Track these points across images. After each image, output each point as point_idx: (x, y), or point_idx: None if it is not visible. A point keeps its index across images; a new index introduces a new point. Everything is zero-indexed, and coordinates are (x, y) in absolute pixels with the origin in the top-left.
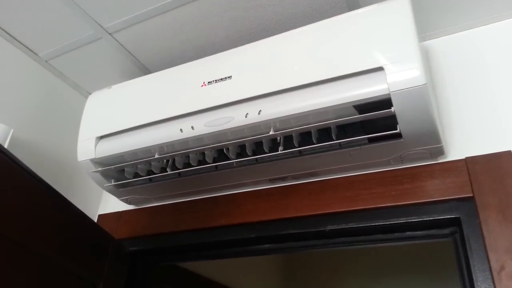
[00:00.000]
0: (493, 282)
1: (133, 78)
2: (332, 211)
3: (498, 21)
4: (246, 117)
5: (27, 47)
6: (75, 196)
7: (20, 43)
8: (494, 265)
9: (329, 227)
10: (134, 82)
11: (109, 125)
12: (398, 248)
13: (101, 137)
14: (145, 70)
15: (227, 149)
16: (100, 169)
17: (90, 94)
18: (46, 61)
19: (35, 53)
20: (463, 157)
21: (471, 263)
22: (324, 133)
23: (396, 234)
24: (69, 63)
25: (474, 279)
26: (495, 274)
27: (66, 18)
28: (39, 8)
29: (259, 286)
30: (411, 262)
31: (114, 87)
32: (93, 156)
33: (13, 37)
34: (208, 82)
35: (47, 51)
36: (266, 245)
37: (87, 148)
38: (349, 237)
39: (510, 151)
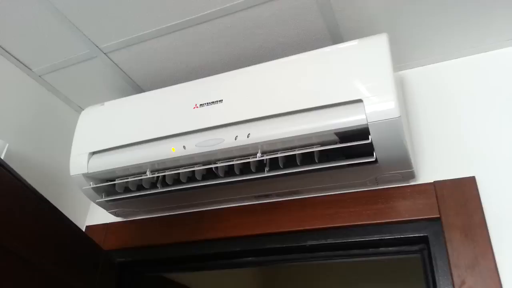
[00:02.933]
0: None
1: (125, 96)
2: (312, 227)
3: (464, 56)
4: (235, 139)
5: (21, 62)
6: (64, 207)
7: (15, 57)
8: (456, 280)
9: (309, 242)
10: (128, 100)
11: (102, 142)
12: (371, 261)
13: (94, 153)
14: (137, 88)
15: (216, 168)
16: (93, 185)
17: (82, 109)
18: (40, 76)
19: (29, 68)
20: (432, 181)
21: (436, 277)
22: (308, 155)
23: (370, 249)
24: (62, 79)
25: None
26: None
27: (62, 36)
28: (35, 25)
29: None
30: (385, 273)
31: (107, 104)
32: (85, 171)
33: (7, 51)
34: (200, 105)
35: (41, 66)
36: (250, 258)
37: (80, 163)
38: (327, 252)
39: (474, 177)
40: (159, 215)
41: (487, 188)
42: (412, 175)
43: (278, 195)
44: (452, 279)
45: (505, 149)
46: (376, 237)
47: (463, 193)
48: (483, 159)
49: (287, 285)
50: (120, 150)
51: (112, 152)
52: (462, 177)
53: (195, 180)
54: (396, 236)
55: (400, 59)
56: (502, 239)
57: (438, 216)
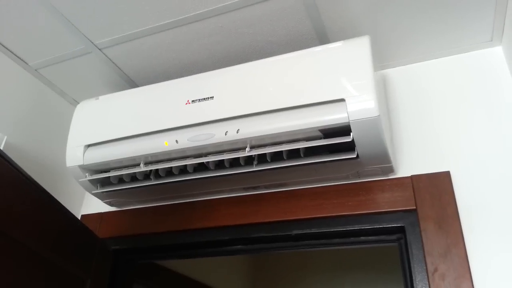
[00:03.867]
0: (428, 281)
1: (119, 90)
2: (297, 217)
3: (442, 57)
4: (225, 134)
5: (18, 57)
6: (60, 197)
7: (11, 52)
8: (430, 267)
9: (295, 232)
10: (122, 94)
11: (97, 134)
12: (354, 249)
13: (89, 145)
14: (131, 83)
15: (207, 161)
16: (88, 177)
17: (77, 102)
18: (36, 70)
19: (25, 62)
20: (409, 175)
21: (411, 265)
22: (294, 150)
23: (351, 238)
24: (58, 73)
25: (414, 278)
26: (430, 274)
27: (57, 32)
28: (32, 21)
29: (231, 281)
30: (365, 261)
31: (102, 98)
32: (81, 163)
33: (4, 46)
34: (192, 101)
35: (37, 61)
36: (238, 246)
37: (76, 155)
38: (311, 240)
39: (448, 172)
40: (152, 205)
41: (460, 182)
42: (391, 170)
43: (266, 187)
44: (426, 266)
45: (477, 146)
46: (356, 227)
47: (438, 187)
48: (457, 155)
49: (276, 272)
50: (114, 143)
51: (107, 144)
52: (437, 171)
53: (187, 173)
54: (375, 226)
55: (383, 58)
56: (472, 230)
57: (414, 208)
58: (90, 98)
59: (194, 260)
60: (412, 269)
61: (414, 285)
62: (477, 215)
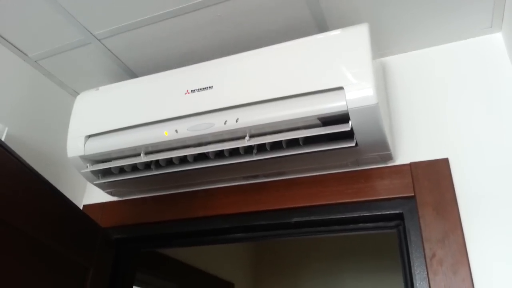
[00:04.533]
0: (426, 266)
1: (118, 80)
2: (297, 205)
3: (442, 44)
4: (225, 124)
5: (17, 48)
6: (61, 187)
7: (11, 43)
8: (428, 253)
9: (294, 219)
10: (122, 85)
11: (97, 125)
12: (354, 237)
13: (90, 136)
14: (130, 73)
15: (207, 151)
16: (90, 168)
17: (76, 92)
18: (35, 61)
19: (25, 54)
20: (408, 162)
21: (410, 250)
22: (293, 139)
23: (351, 225)
24: (57, 64)
25: (412, 264)
26: (428, 260)
27: (57, 23)
28: (30, 12)
29: (232, 270)
30: (365, 247)
31: (102, 88)
32: (82, 153)
33: (3, 38)
34: (192, 90)
35: (37, 52)
36: (239, 234)
37: (77, 146)
38: (311, 228)
39: (447, 158)
40: (153, 194)
41: (459, 169)
42: (390, 157)
43: (266, 176)
44: (424, 252)
45: (476, 133)
46: (355, 214)
47: (436, 174)
48: (456, 142)
49: (277, 260)
50: (115, 133)
51: (107, 135)
52: (436, 158)
53: (187, 162)
54: (374, 213)
55: (382, 45)
56: (470, 216)
57: (413, 194)
58: (90, 89)
59: (196, 248)
60: (410, 255)
61: (412, 270)
62: (475, 202)
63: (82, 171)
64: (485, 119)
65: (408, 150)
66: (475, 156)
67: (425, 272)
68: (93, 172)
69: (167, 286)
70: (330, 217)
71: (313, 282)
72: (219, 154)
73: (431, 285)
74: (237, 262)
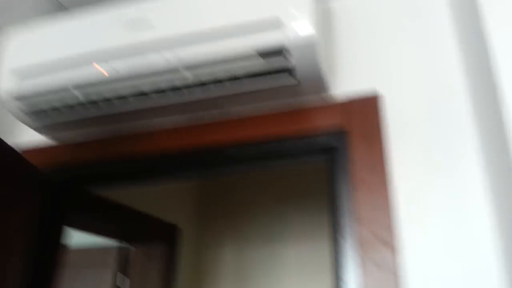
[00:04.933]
0: (352, 190)
1: (48, 15)
2: (236, 140)
3: None
4: (164, 60)
5: None
6: None
7: None
8: (357, 178)
9: (235, 154)
10: (54, 22)
11: (30, 63)
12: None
13: (23, 75)
14: (61, 7)
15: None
16: (23, 109)
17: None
18: None
19: None
20: (344, 97)
21: (339, 177)
22: (235, 78)
23: (288, 158)
24: None
25: (340, 189)
26: (356, 184)
27: None
28: None
29: (175, 212)
30: (305, 190)
31: (33, 26)
32: (16, 94)
33: None
34: (129, 26)
35: None
36: (179, 172)
37: (8, 85)
38: (251, 161)
39: (377, 96)
40: (93, 135)
41: (391, 104)
42: (326, 92)
43: (208, 115)
44: (352, 178)
45: (406, 69)
46: (293, 146)
47: (367, 109)
48: (389, 79)
49: (220, 201)
50: (49, 72)
51: (41, 74)
52: (369, 95)
53: (127, 102)
54: (311, 147)
55: None
56: (398, 148)
57: (347, 128)
58: (19, 25)
59: (139, 192)
60: (340, 182)
61: (338, 194)
62: (404, 134)
63: (14, 111)
64: (418, 55)
65: (344, 87)
66: (407, 91)
67: (352, 190)
68: (27, 113)
69: (109, 229)
70: (269, 150)
71: (257, 222)
72: (159, 93)
73: (357, 200)
74: (181, 205)
